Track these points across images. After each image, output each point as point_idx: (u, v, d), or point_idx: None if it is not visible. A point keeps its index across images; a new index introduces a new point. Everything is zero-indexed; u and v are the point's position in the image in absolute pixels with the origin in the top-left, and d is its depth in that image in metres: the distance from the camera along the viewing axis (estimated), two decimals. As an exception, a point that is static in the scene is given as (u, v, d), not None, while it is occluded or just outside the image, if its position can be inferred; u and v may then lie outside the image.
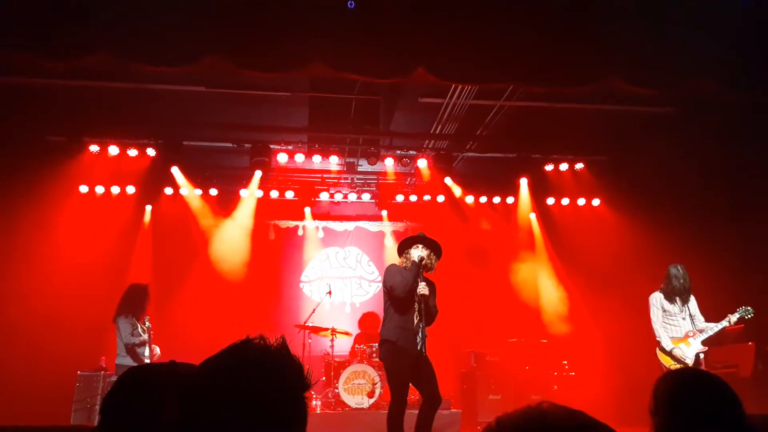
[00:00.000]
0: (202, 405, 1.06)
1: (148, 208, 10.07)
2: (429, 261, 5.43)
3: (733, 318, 5.88)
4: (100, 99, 8.05)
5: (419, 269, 5.33)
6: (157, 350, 6.77)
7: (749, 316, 5.87)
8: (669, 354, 6.03)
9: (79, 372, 7.62)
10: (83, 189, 9.44)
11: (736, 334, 7.50)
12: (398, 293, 5.28)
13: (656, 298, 6.23)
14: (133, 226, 9.88)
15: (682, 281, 6.15)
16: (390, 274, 5.44)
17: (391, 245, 11.19)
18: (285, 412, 1.10)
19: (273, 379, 1.11)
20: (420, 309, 5.30)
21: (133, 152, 9.09)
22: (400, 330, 5.27)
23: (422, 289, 5.25)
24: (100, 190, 9.58)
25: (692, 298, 6.24)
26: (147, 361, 6.46)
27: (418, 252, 5.43)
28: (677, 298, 6.16)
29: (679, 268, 6.23)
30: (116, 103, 8.16)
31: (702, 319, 6.14)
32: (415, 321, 5.26)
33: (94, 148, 8.90)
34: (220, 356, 1.15)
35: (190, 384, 1.11)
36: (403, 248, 5.58)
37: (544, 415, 0.84)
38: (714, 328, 5.95)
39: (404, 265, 5.50)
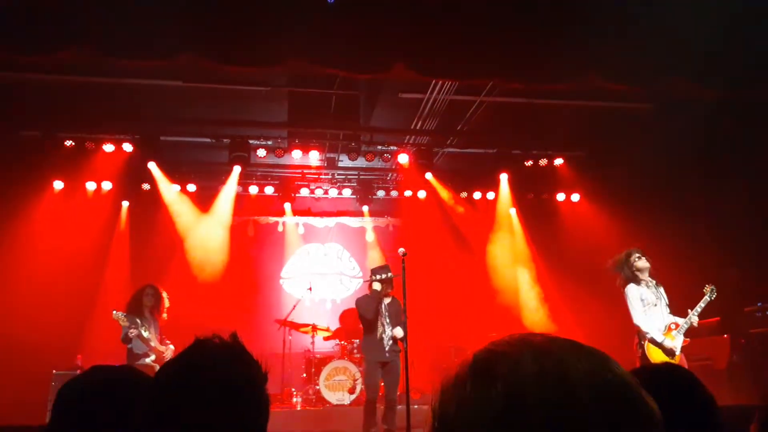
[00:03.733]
0: (164, 408, 1.08)
1: (125, 204, 9.93)
2: (384, 289, 6.54)
3: (702, 304, 5.91)
4: (75, 94, 7.90)
5: (380, 300, 6.50)
6: (170, 350, 6.77)
7: (714, 295, 5.91)
8: (660, 345, 5.97)
9: (55, 371, 7.49)
10: (58, 185, 9.26)
11: (711, 327, 7.62)
12: (367, 317, 6.54)
13: (632, 289, 6.12)
14: (109, 222, 9.73)
15: (642, 257, 6.14)
16: (360, 304, 6.65)
17: (372, 240, 11.18)
18: (245, 406, 1.12)
19: (229, 375, 1.13)
20: (384, 325, 6.43)
21: (109, 147, 8.93)
22: (368, 344, 6.52)
23: (397, 332, 6.39)
24: (75, 186, 9.39)
25: (661, 287, 6.22)
26: (146, 361, 6.47)
27: (376, 285, 6.54)
28: (649, 282, 6.14)
29: (633, 251, 6.24)
30: (92, 98, 8.02)
31: (669, 311, 6.15)
32: (379, 333, 6.42)
33: (69, 143, 8.73)
34: (176, 360, 1.17)
35: (151, 389, 1.11)
36: (373, 274, 6.64)
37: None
38: (689, 320, 5.98)
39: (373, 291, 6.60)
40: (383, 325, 6.45)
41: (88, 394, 1.56)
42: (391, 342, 6.41)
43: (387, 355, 6.37)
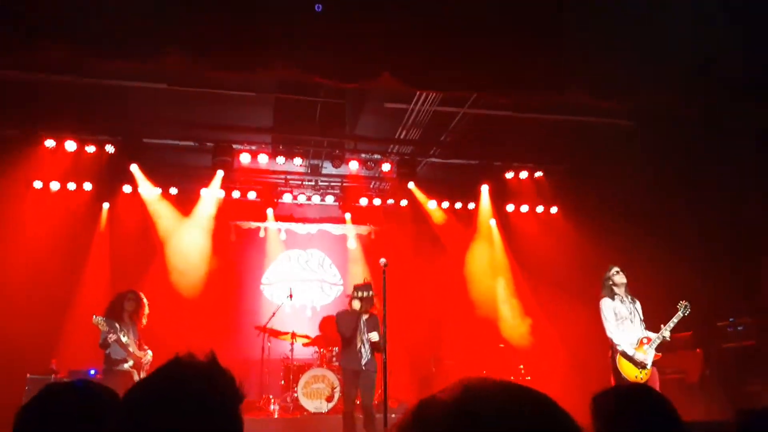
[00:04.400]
0: (138, 427, 1.06)
1: (106, 206, 9.82)
2: (363, 307, 6.69)
3: (675, 320, 6.04)
4: (57, 93, 7.82)
5: (359, 317, 6.67)
6: (148, 355, 6.75)
7: (688, 312, 6.05)
8: (631, 359, 6.08)
9: (29, 375, 7.37)
10: (37, 185, 9.14)
11: (684, 342, 7.75)
12: (345, 335, 6.75)
13: (606, 303, 6.28)
14: (89, 224, 9.62)
15: (620, 273, 6.30)
16: (339, 320, 6.84)
17: (354, 248, 11.20)
18: (221, 426, 1.10)
19: (206, 394, 1.10)
20: (363, 337, 6.60)
21: (90, 148, 8.85)
22: (345, 356, 6.69)
23: (373, 336, 6.54)
24: (55, 186, 9.28)
25: (637, 302, 6.37)
26: (124, 366, 6.44)
27: (356, 303, 6.69)
28: (624, 297, 6.28)
29: (612, 267, 6.40)
30: (74, 98, 7.95)
31: (644, 326, 6.28)
32: (358, 346, 6.58)
33: (49, 143, 8.64)
34: (152, 378, 1.14)
35: (125, 407, 1.10)
36: (354, 292, 6.81)
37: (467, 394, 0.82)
38: (661, 335, 6.09)
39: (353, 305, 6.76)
40: (362, 341, 6.63)
41: (45, 416, 1.54)
42: (368, 355, 6.57)
43: (363, 365, 6.53)
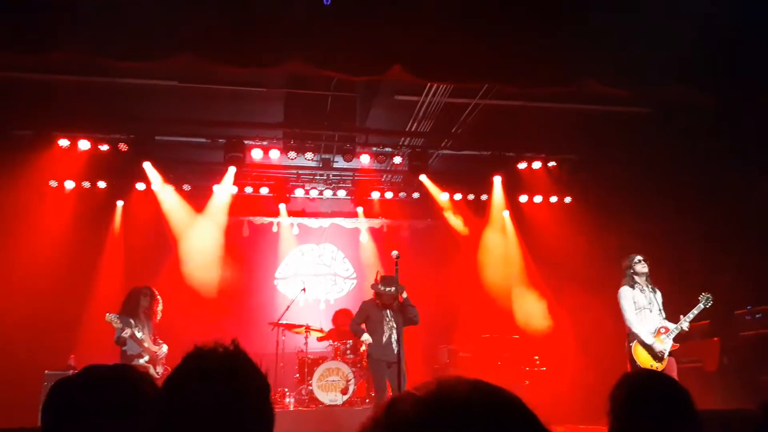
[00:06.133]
0: (172, 420, 1.07)
1: (120, 203, 9.91)
2: (384, 299, 6.79)
3: (696, 311, 5.99)
4: (70, 93, 7.88)
5: (384, 309, 6.81)
6: (163, 349, 6.86)
7: (710, 303, 5.99)
8: (649, 348, 6.05)
9: (47, 371, 7.45)
10: (52, 184, 9.24)
11: (702, 330, 7.68)
12: (351, 330, 7.14)
13: (626, 291, 6.25)
14: (103, 222, 9.72)
15: (641, 261, 6.26)
16: (363, 309, 7.03)
17: (366, 241, 11.21)
18: (251, 414, 1.12)
19: (232, 384, 1.13)
20: (390, 326, 6.70)
21: (104, 147, 8.92)
22: (374, 345, 6.77)
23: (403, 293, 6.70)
24: (69, 185, 9.38)
25: (658, 292, 6.33)
26: (140, 361, 6.54)
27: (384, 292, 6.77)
28: (644, 286, 6.25)
29: (634, 255, 6.36)
30: (87, 98, 8.00)
31: (664, 316, 6.24)
32: (385, 337, 6.69)
33: (63, 142, 8.71)
34: (179, 370, 1.16)
35: (157, 401, 1.12)
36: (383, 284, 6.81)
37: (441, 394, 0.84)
38: (680, 326, 6.05)
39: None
40: (389, 329, 6.69)
41: (81, 393, 1.54)
42: (398, 345, 6.54)
43: (396, 355, 6.47)
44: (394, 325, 6.65)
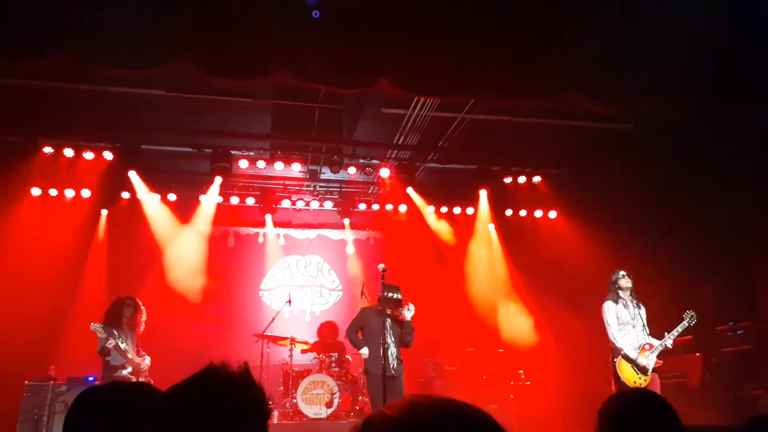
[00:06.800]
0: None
1: (104, 212, 9.81)
2: (384, 305, 6.53)
3: (680, 329, 6.03)
4: (55, 100, 7.83)
5: (385, 320, 6.45)
6: (146, 361, 6.78)
7: (694, 321, 6.03)
8: (633, 362, 6.07)
9: (27, 382, 7.33)
10: (35, 192, 9.13)
11: (684, 345, 7.74)
12: (348, 339, 6.83)
13: (609, 306, 6.28)
14: (87, 231, 9.59)
15: (626, 276, 6.30)
16: (362, 316, 6.78)
17: (352, 253, 11.19)
18: None
19: (237, 407, 1.13)
20: (390, 337, 6.38)
21: (89, 155, 8.85)
22: (372, 359, 6.48)
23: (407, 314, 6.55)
24: (53, 193, 9.28)
25: (642, 307, 6.37)
26: (123, 373, 6.48)
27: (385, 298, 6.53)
28: (628, 302, 6.28)
29: (619, 270, 6.41)
30: (73, 105, 7.95)
31: (648, 332, 6.26)
32: (384, 349, 6.26)
33: (48, 150, 8.63)
34: (186, 385, 1.16)
35: (158, 415, 1.11)
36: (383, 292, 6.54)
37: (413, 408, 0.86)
38: (663, 343, 6.08)
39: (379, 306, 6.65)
40: (388, 343, 6.38)
41: (108, 404, 1.58)
42: (397, 359, 6.41)
43: (393, 370, 6.30)
44: (393, 338, 6.42)
